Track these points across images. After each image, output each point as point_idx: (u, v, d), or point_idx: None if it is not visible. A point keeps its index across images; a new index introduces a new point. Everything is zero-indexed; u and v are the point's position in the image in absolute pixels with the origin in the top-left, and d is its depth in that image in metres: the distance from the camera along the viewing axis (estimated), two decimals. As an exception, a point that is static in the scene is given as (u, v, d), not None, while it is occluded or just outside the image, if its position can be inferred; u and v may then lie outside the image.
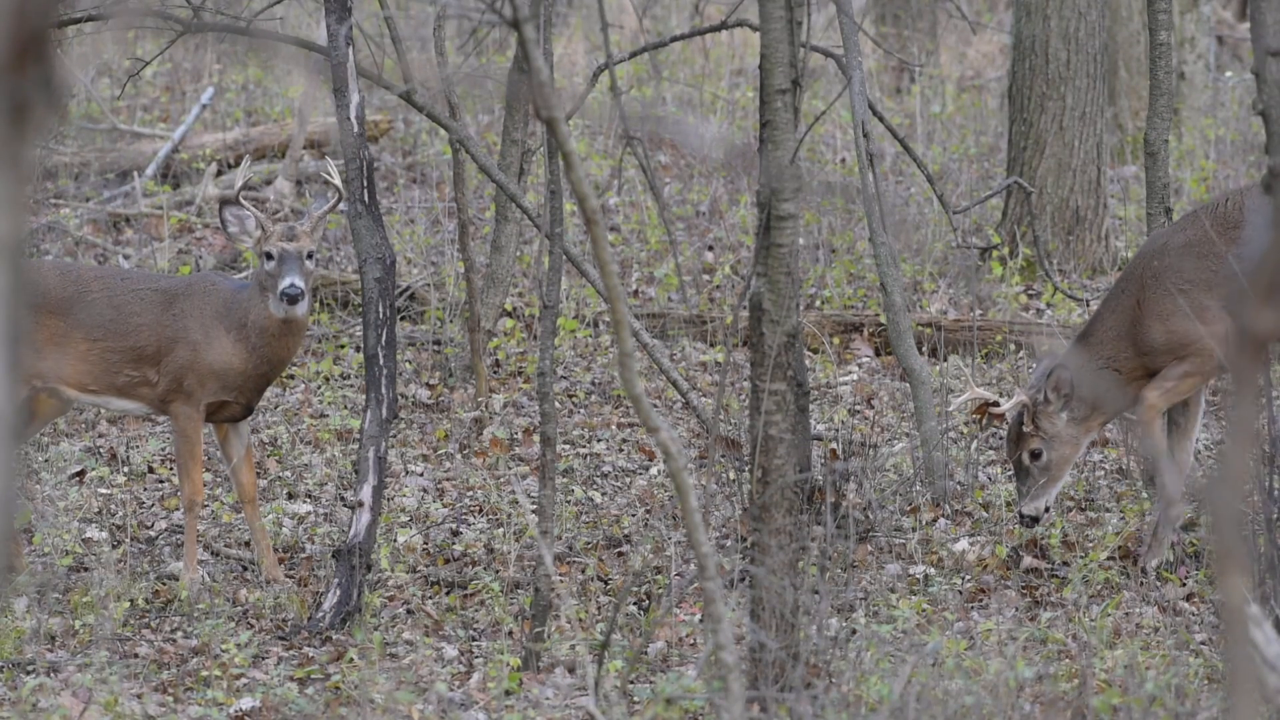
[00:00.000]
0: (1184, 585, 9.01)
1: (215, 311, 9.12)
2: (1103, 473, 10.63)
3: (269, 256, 9.03)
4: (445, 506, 10.23)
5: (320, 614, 8.53)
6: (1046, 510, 9.34)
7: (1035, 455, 9.30)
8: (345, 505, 10.13)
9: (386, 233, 8.72)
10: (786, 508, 6.93)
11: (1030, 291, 13.37)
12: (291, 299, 8.92)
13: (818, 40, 15.58)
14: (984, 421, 9.31)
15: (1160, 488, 9.33)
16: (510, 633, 8.46)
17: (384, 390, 8.61)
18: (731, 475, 9.43)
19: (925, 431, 10.11)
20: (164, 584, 9.11)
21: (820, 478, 9.29)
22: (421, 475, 10.68)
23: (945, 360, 12.09)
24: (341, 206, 9.13)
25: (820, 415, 11.47)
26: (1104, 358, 9.33)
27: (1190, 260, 9.26)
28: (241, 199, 9.09)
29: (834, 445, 10.31)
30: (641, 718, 7.09)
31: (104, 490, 10.39)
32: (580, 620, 8.52)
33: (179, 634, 8.56)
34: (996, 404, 9.32)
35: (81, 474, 10.57)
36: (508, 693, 7.70)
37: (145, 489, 10.50)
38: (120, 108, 16.29)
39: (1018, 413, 9.32)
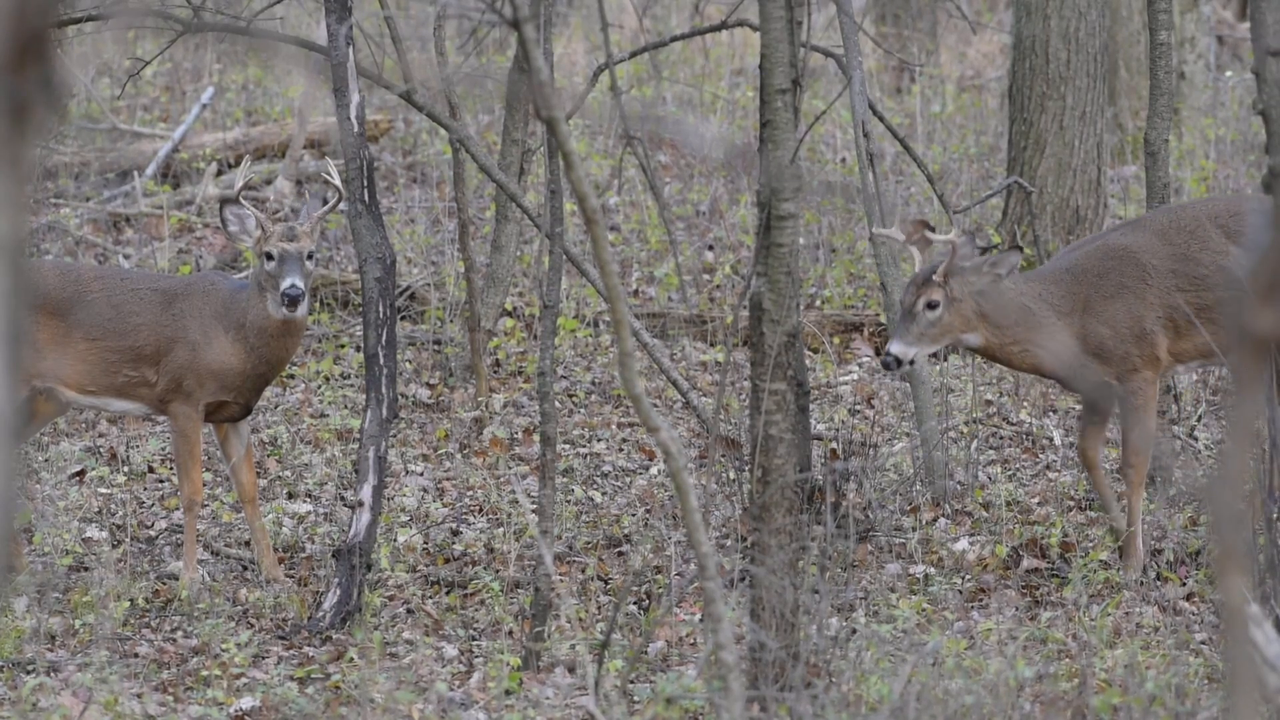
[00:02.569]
0: (1184, 585, 9.01)
1: (214, 312, 9.11)
2: (1104, 472, 10.63)
3: (269, 257, 9.03)
4: (445, 506, 10.23)
5: (320, 613, 8.53)
6: (911, 363, 9.22)
7: (931, 306, 9.16)
8: (345, 505, 10.13)
9: (386, 232, 8.72)
10: (786, 507, 6.93)
11: (1030, 291, 13.38)
12: (292, 300, 8.92)
13: (818, 40, 15.57)
14: (914, 236, 9.14)
15: (1111, 514, 9.29)
16: (510, 632, 8.46)
17: (384, 390, 8.61)
18: (731, 475, 9.43)
19: (925, 431, 10.11)
20: (164, 584, 9.11)
21: (820, 477, 9.29)
22: (421, 475, 10.68)
23: (945, 360, 12.09)
24: (341, 206, 9.13)
25: (820, 415, 11.47)
26: (1048, 298, 9.25)
27: (1129, 267, 9.25)
28: (242, 199, 9.09)
29: (834, 445, 10.31)
30: (641, 717, 7.09)
31: (104, 490, 10.39)
32: (580, 620, 8.52)
33: (179, 634, 8.56)
34: (933, 229, 9.21)
35: (81, 473, 10.57)
36: (508, 692, 7.70)
37: (145, 489, 10.50)
38: (120, 107, 16.29)
39: (935, 260, 9.19)
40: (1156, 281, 9.22)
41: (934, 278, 9.12)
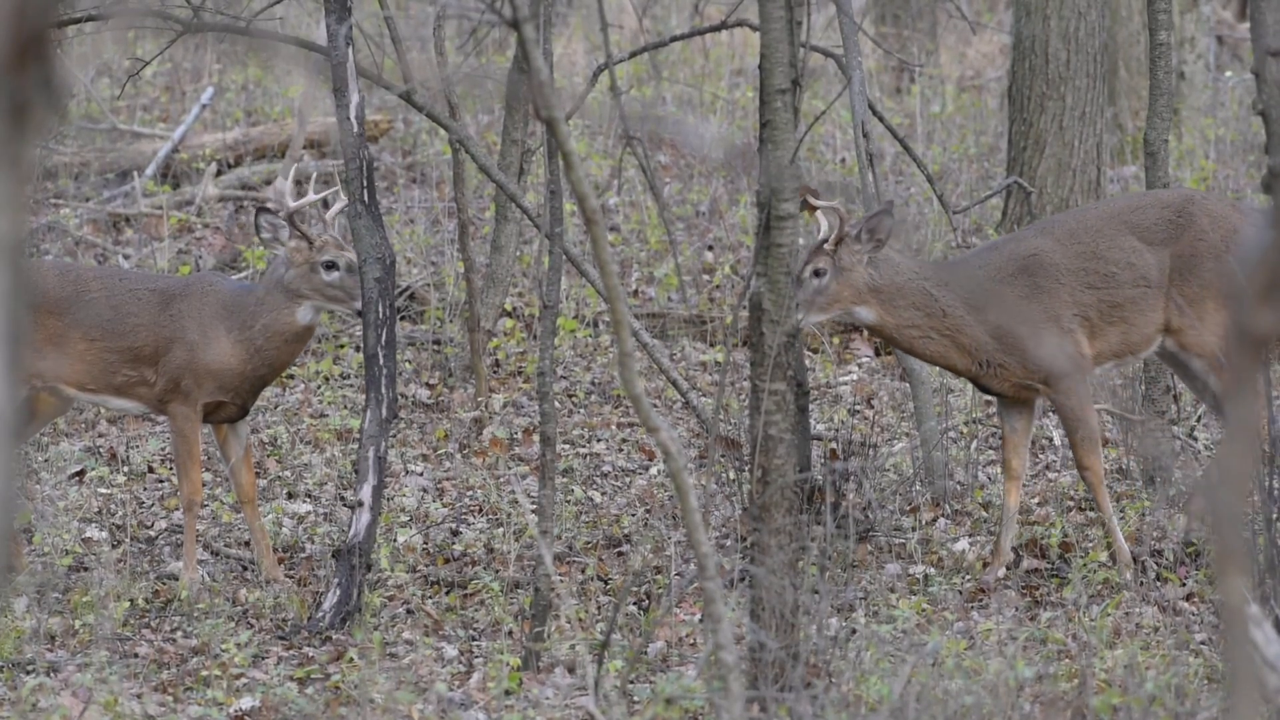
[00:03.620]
0: (1184, 585, 9.01)
1: (214, 312, 9.11)
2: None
3: (331, 266, 9.02)
4: (445, 506, 10.23)
5: (320, 614, 8.53)
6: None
7: (818, 273, 9.14)
8: (345, 505, 10.13)
9: (386, 233, 8.72)
10: (786, 507, 6.93)
11: (1030, 291, 13.38)
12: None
13: (818, 40, 15.57)
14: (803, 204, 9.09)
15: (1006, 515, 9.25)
16: (510, 632, 8.46)
17: (384, 390, 8.61)
18: (731, 475, 9.43)
19: (925, 431, 10.11)
20: (164, 584, 9.11)
21: (820, 478, 9.29)
22: (421, 475, 10.68)
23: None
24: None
25: (820, 415, 11.47)
26: (956, 289, 9.21)
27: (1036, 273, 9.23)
28: (294, 219, 9.07)
29: (834, 445, 10.31)
30: (641, 718, 7.09)
31: (104, 490, 10.39)
32: (580, 620, 8.52)
33: (179, 634, 8.56)
34: (816, 194, 9.17)
35: (81, 474, 10.57)
36: (508, 692, 7.70)
37: (145, 489, 10.50)
38: (120, 108, 16.29)
39: (826, 230, 9.15)
40: (1067, 281, 9.20)
41: (824, 245, 9.10)
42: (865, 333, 12.68)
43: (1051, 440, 11.16)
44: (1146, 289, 9.25)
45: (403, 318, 12.77)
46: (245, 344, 9.06)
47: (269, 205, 9.09)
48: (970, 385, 11.41)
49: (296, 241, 9.08)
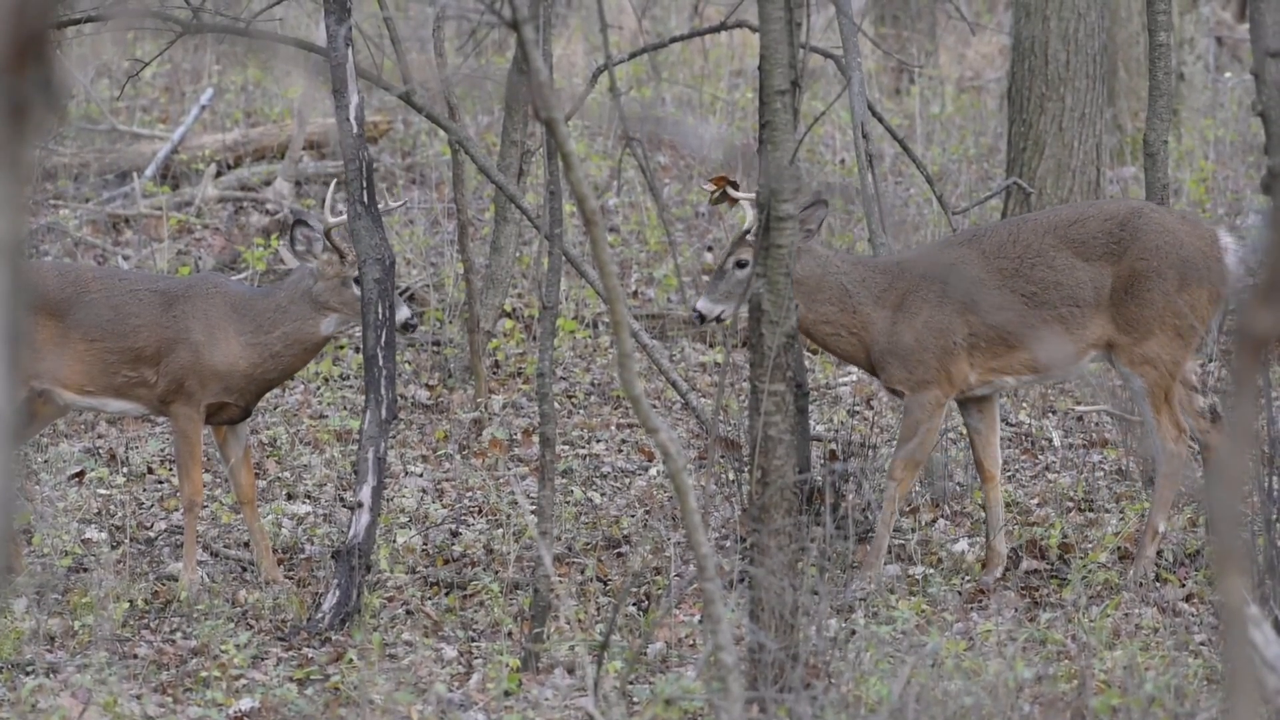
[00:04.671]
0: (1183, 586, 9.00)
1: (222, 313, 9.11)
2: (1102, 473, 10.63)
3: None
4: (444, 507, 10.23)
5: (319, 615, 8.52)
6: (719, 320, 9.18)
7: (740, 264, 9.13)
8: (344, 506, 10.13)
9: (386, 234, 8.72)
10: (786, 508, 6.93)
11: (1029, 292, 13.37)
12: (413, 329, 9.02)
13: (817, 41, 15.58)
14: (716, 195, 9.05)
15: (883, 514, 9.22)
16: (509, 633, 8.46)
17: (383, 391, 8.61)
18: (731, 476, 9.43)
19: (924, 432, 10.11)
20: (163, 585, 9.11)
21: (820, 478, 9.29)
22: (421, 476, 10.68)
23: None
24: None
25: (820, 416, 11.47)
26: (869, 284, 9.17)
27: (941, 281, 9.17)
28: (332, 235, 9.07)
29: (833, 446, 10.31)
30: (641, 718, 7.09)
31: (103, 491, 10.39)
32: (579, 621, 8.52)
33: (178, 635, 8.56)
34: (735, 185, 9.15)
35: (81, 475, 10.57)
36: (507, 693, 7.70)
37: (144, 490, 10.50)
38: (119, 108, 16.29)
39: (750, 221, 9.13)
40: (979, 299, 9.10)
41: (747, 236, 9.09)
42: None
43: (1051, 441, 11.15)
44: (1074, 309, 9.08)
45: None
46: (259, 348, 9.07)
47: (307, 219, 9.11)
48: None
49: (329, 255, 9.11)
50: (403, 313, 8.91)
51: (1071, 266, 9.07)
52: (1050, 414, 11.53)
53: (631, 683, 7.58)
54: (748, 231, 9.06)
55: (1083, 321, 9.07)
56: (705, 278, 13.58)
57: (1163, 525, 9.04)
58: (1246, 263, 9.22)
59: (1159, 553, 9.27)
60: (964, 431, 10.95)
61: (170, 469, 10.70)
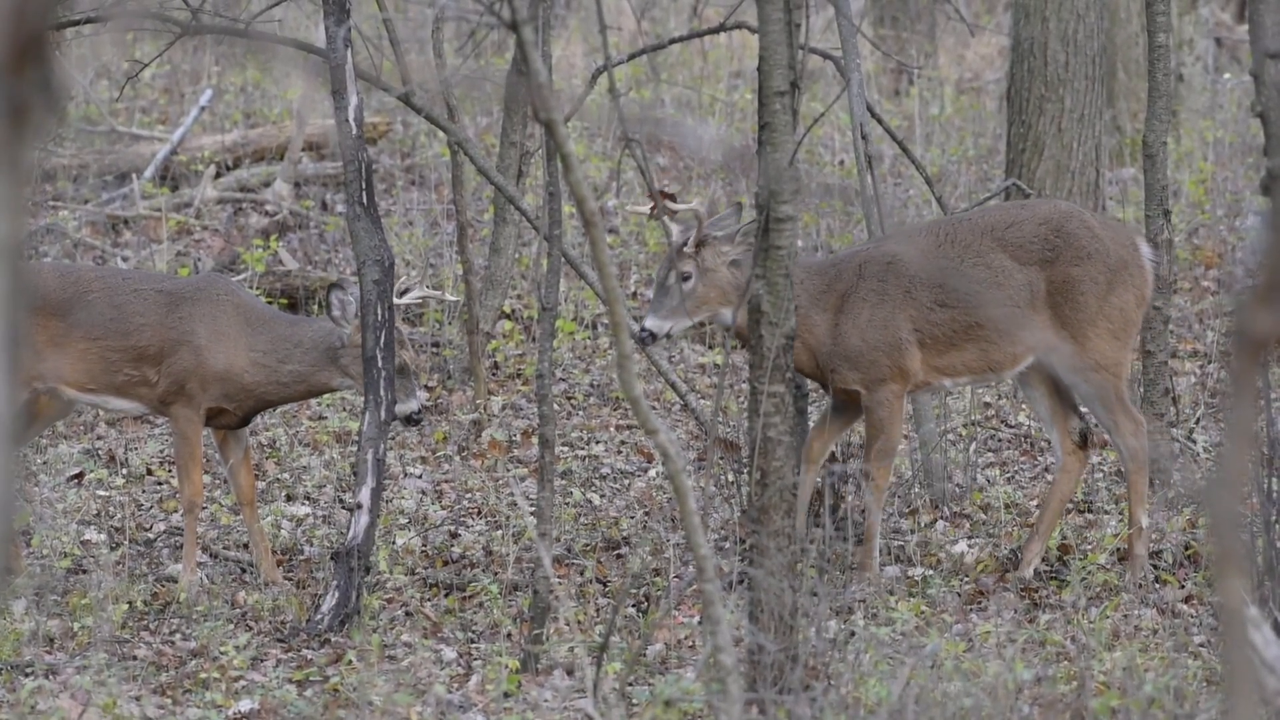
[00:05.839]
0: (1183, 587, 9.00)
1: (231, 320, 9.10)
2: (1101, 475, 10.63)
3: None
4: (444, 509, 10.23)
5: (319, 616, 8.52)
6: (668, 337, 9.16)
7: (684, 277, 9.11)
8: (344, 507, 10.13)
9: (385, 235, 8.72)
10: (785, 510, 6.93)
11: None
12: (417, 422, 9.03)
13: (816, 42, 15.57)
14: (653, 210, 9.03)
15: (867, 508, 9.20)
16: (509, 635, 8.46)
17: (382, 392, 8.61)
18: (730, 477, 9.43)
19: (924, 434, 10.11)
20: (162, 586, 9.11)
21: (819, 479, 9.29)
22: (420, 477, 10.68)
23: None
24: (413, 296, 9.23)
25: (819, 417, 11.46)
26: (808, 287, 9.16)
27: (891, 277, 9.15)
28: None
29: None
30: (640, 720, 7.09)
31: (102, 492, 10.38)
32: (579, 622, 8.52)
33: (177, 636, 8.56)
34: (674, 198, 9.13)
35: (80, 476, 10.57)
36: (506, 695, 7.70)
37: (144, 491, 10.50)
38: (119, 110, 16.29)
39: (685, 230, 9.12)
40: (919, 295, 9.09)
41: (685, 248, 9.06)
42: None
43: (1050, 443, 11.15)
44: (1014, 308, 9.10)
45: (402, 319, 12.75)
46: (266, 370, 9.08)
47: (345, 284, 9.11)
48: (970, 386, 11.40)
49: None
50: (410, 405, 8.93)
51: (1007, 269, 9.09)
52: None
53: (631, 684, 7.58)
54: (684, 243, 9.05)
55: (1021, 324, 9.10)
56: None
57: (1145, 519, 9.08)
58: (1160, 271, 9.35)
59: (1158, 553, 9.27)
60: (963, 433, 10.95)
61: (169, 470, 10.70)
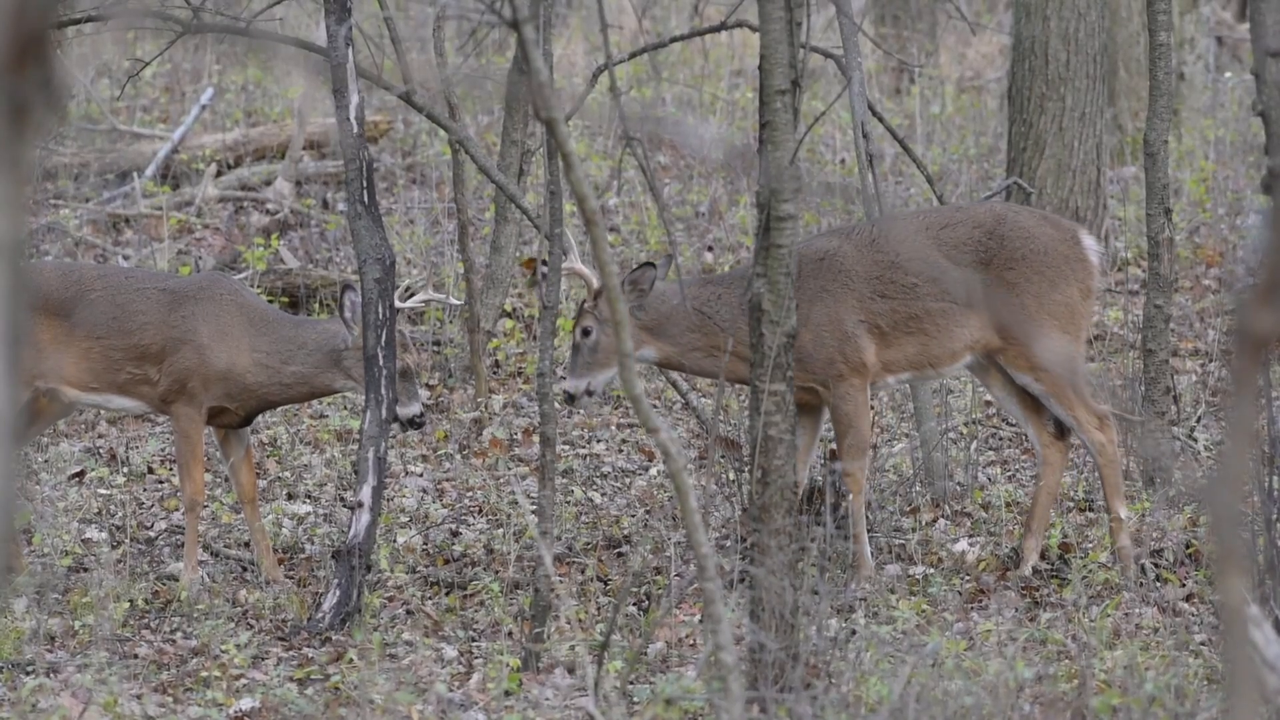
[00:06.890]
0: (1183, 586, 9.01)
1: (234, 319, 9.10)
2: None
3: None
4: (445, 507, 10.23)
5: (320, 614, 8.53)
6: (589, 394, 9.22)
7: (585, 333, 9.18)
8: (345, 506, 10.13)
9: (386, 233, 8.72)
10: (786, 508, 6.93)
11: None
12: (418, 426, 9.04)
13: (817, 41, 15.58)
14: (532, 276, 9.13)
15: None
16: (510, 633, 8.46)
17: (383, 391, 8.61)
18: (731, 476, 9.43)
19: (925, 432, 10.12)
20: (163, 584, 9.11)
21: (820, 478, 9.29)
22: (421, 476, 10.68)
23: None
24: (446, 299, 9.26)
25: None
26: (727, 299, 9.19)
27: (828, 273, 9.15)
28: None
29: (833, 446, 10.31)
30: (641, 718, 7.09)
31: (103, 491, 10.39)
32: (580, 621, 8.52)
33: (179, 634, 8.56)
34: (564, 254, 9.18)
35: (81, 474, 10.57)
36: (507, 693, 7.70)
37: (145, 489, 10.50)
38: (120, 108, 16.29)
39: (596, 290, 9.19)
40: (857, 287, 9.11)
41: (586, 306, 9.15)
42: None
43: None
44: (952, 303, 9.14)
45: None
46: (269, 371, 9.09)
47: (355, 285, 9.12)
48: (970, 385, 11.39)
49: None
50: (412, 408, 8.95)
51: (943, 266, 9.12)
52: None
53: (632, 682, 7.59)
54: (585, 300, 9.16)
55: (960, 320, 9.14)
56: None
57: (1124, 511, 9.11)
58: (1103, 262, 9.38)
59: (1159, 551, 9.27)
60: (964, 431, 10.95)
61: (171, 469, 10.70)
